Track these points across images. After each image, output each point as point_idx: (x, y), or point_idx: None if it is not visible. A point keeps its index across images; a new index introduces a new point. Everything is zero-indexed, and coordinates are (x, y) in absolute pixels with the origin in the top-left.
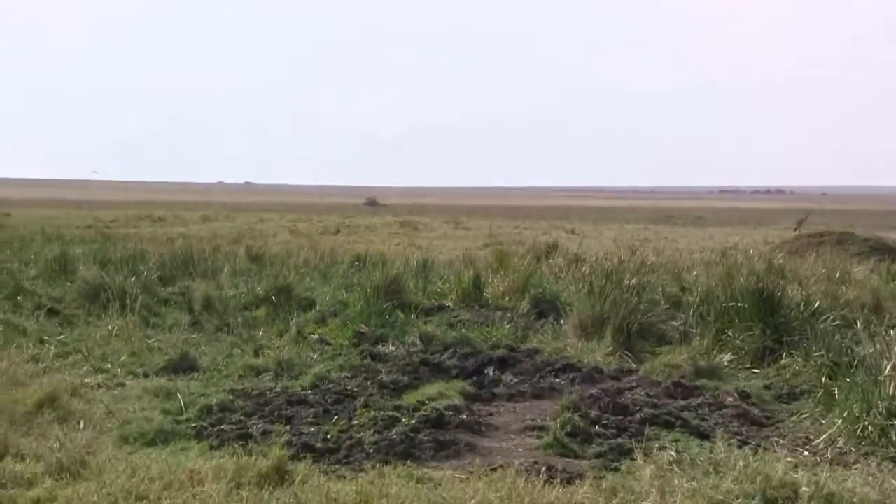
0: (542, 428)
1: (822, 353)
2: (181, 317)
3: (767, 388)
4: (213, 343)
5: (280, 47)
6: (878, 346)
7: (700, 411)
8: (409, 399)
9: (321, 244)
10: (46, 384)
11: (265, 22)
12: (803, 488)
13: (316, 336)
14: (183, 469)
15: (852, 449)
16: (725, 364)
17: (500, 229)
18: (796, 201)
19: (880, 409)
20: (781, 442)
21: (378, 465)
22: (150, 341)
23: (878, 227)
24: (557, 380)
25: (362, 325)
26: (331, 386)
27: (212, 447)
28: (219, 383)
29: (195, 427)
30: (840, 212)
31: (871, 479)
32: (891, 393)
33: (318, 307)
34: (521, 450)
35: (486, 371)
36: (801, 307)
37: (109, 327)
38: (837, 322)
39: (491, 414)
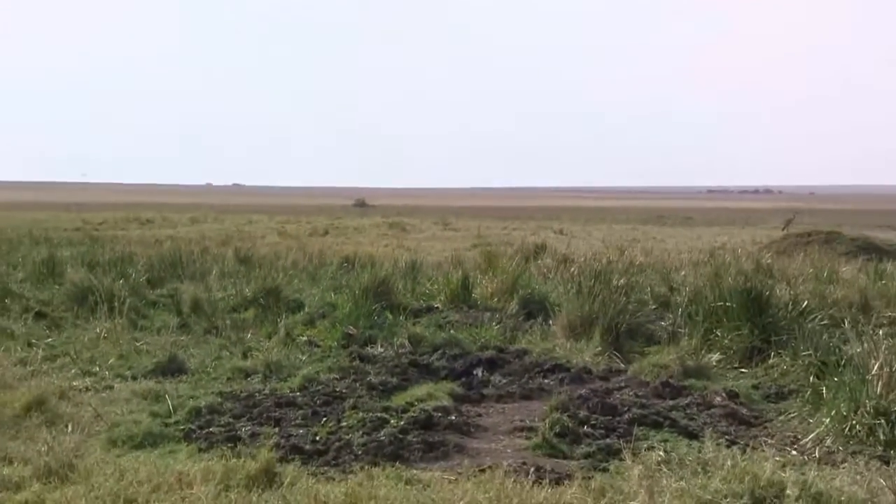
0: (530, 429)
1: (810, 352)
2: (169, 319)
3: (756, 387)
4: (201, 345)
5: (270, 48)
6: (865, 345)
7: (688, 411)
8: (398, 400)
9: (310, 246)
10: (34, 387)
11: (253, 23)
12: (791, 488)
13: (304, 338)
14: (171, 472)
15: (840, 448)
16: (714, 364)
17: (488, 230)
18: (784, 201)
19: (868, 408)
20: (770, 441)
21: (367, 467)
22: (138, 344)
23: (865, 226)
24: (546, 380)
25: (351, 327)
26: (319, 388)
27: (200, 450)
28: (207, 385)
29: (184, 429)
30: (828, 211)
31: (858, 477)
32: (878, 392)
33: (306, 309)
34: (509, 451)
35: (474, 372)
36: (789, 307)
37: (97, 330)
38: (825, 321)
39: (480, 415)
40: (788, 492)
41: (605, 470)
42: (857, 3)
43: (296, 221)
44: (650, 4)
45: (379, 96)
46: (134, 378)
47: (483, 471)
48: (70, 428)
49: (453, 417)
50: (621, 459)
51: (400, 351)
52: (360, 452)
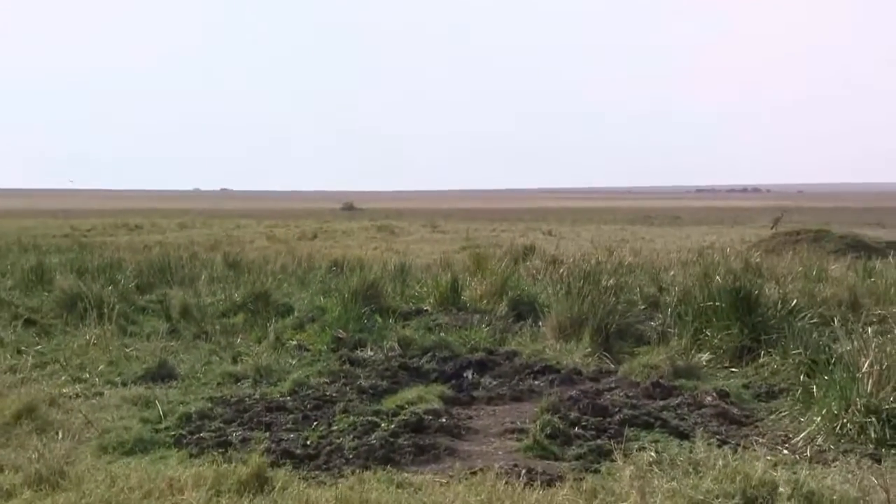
0: (521, 430)
1: (800, 351)
2: (159, 325)
3: (746, 386)
4: (191, 351)
5: (257, 53)
6: (855, 343)
7: (679, 411)
8: (389, 404)
9: (298, 250)
10: (24, 394)
11: (240, 26)
12: (783, 487)
13: (294, 342)
14: (162, 477)
15: (831, 446)
16: (704, 363)
17: (477, 232)
18: (773, 199)
19: (858, 406)
20: (760, 441)
21: (358, 471)
22: (127, 350)
23: (854, 224)
24: (536, 382)
25: (340, 331)
26: (310, 392)
27: (191, 455)
28: (197, 391)
29: (174, 435)
30: (816, 209)
31: (850, 476)
32: (869, 390)
33: (295, 313)
34: (500, 453)
35: (464, 374)
36: (779, 305)
37: (87, 336)
38: (815, 320)
39: (470, 417)
40: (780, 491)
41: (596, 471)
42: (852, 3)
43: (284, 226)
44: (644, 6)
45: (367, 100)
46: (124, 384)
47: (474, 473)
48: (60, 435)
49: (444, 420)
50: (612, 460)
51: (390, 354)
52: (350, 456)
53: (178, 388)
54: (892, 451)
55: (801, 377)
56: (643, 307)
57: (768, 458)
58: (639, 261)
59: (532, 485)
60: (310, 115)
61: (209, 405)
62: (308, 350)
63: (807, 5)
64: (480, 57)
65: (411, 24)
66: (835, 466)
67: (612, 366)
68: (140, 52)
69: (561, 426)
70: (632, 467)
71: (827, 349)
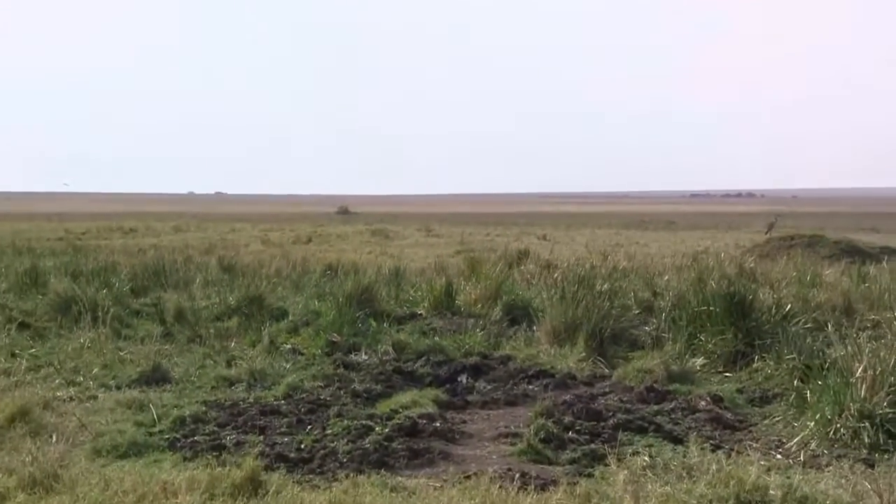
0: (515, 435)
1: (794, 356)
2: (153, 328)
3: (740, 391)
4: (185, 354)
5: (251, 57)
6: (849, 348)
7: (673, 416)
8: (383, 408)
9: (293, 254)
10: (18, 398)
11: (235, 28)
12: (776, 492)
13: (288, 346)
14: (156, 481)
15: (825, 451)
16: (698, 368)
17: (471, 236)
18: (767, 205)
19: (852, 412)
20: (754, 445)
21: (352, 475)
22: (122, 353)
23: (848, 229)
24: (531, 386)
25: (335, 335)
26: (304, 395)
27: (185, 459)
28: (191, 395)
29: (168, 439)
30: (810, 214)
31: (843, 481)
32: (862, 395)
33: (290, 317)
34: (495, 457)
35: (459, 379)
36: (773, 310)
37: (81, 340)
38: (809, 325)
39: (465, 421)
40: (773, 495)
41: (590, 475)
42: (848, 5)
43: (279, 229)
44: (638, 7)
45: (365, 101)
46: (118, 387)
47: (468, 477)
48: (54, 438)
49: (438, 424)
50: (606, 465)
51: (384, 358)
52: (344, 460)
53: (172, 392)
54: (886, 457)
55: (795, 382)
56: (637, 312)
57: (762, 462)
58: (633, 266)
59: (526, 489)
60: (306, 117)
61: (203, 409)
62: (302, 354)
63: (804, 8)
64: (482, 57)
65: (411, 24)
66: (828, 471)
67: (607, 370)
68: (135, 52)
69: (555, 430)
70: (625, 472)
71: (821, 354)
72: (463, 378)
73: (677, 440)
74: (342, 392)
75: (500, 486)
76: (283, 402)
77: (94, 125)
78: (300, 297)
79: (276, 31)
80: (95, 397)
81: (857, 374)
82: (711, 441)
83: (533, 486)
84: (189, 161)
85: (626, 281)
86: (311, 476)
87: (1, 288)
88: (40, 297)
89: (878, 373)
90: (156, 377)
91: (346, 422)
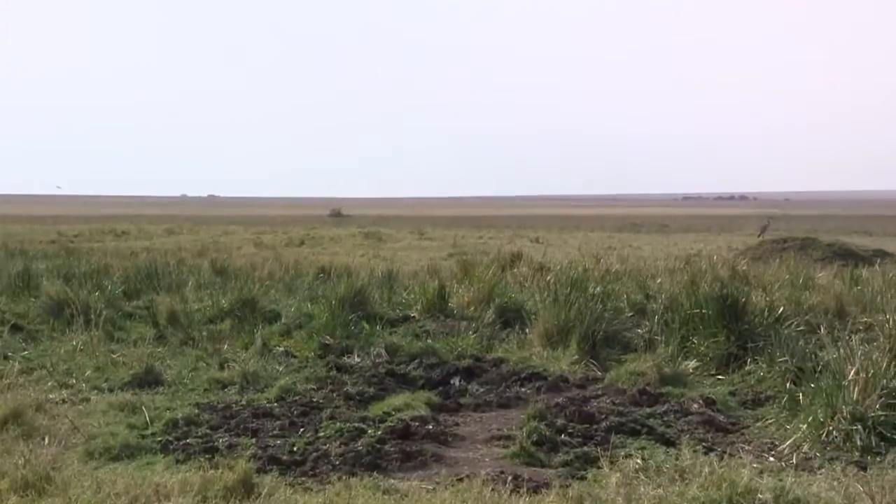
0: (508, 437)
1: (787, 358)
2: (146, 331)
3: (732, 394)
4: (177, 357)
5: (246, 56)
6: (841, 350)
7: (666, 418)
8: (375, 410)
9: (286, 256)
10: (10, 400)
11: (227, 30)
12: (768, 494)
13: (281, 348)
14: (149, 483)
15: (817, 454)
16: (690, 371)
17: (464, 239)
18: (759, 207)
19: (844, 414)
20: (747, 448)
21: (344, 477)
22: (114, 356)
23: (840, 232)
24: (523, 389)
25: (327, 337)
26: (296, 398)
27: (178, 461)
28: (184, 397)
29: (161, 441)
30: (803, 217)
31: (835, 483)
32: (855, 397)
33: (283, 319)
34: (487, 459)
35: (451, 381)
36: (765, 313)
37: (74, 342)
38: (801, 327)
39: (457, 424)
40: (765, 498)
41: (582, 478)
42: (846, 10)
43: (272, 232)
44: (623, 16)
45: (361, 103)
46: (111, 390)
47: (461, 480)
48: (47, 440)
49: (431, 427)
50: (599, 467)
51: (377, 361)
52: (337, 463)
53: (164, 394)
54: (878, 459)
55: (788, 385)
56: (630, 314)
57: (754, 465)
58: (626, 268)
59: (518, 491)
60: (300, 119)
61: (196, 411)
62: (295, 356)
63: (798, 11)
64: (475, 60)
65: (404, 25)
66: (820, 474)
67: (599, 373)
68: (128, 55)
69: (547, 433)
70: (618, 474)
71: (813, 357)
72: (455, 381)
73: (670, 443)
74: (335, 395)
75: (493, 489)
76: (275, 404)
77: (87, 127)
78: (293, 299)
79: (269, 33)
80: (88, 400)
81: (850, 377)
82: (704, 444)
83: (525, 489)
84: (182, 164)
85: (618, 283)
86: (303, 478)
87: None
88: (33, 299)
89: (870, 375)
90: (148, 380)
91: (338, 424)
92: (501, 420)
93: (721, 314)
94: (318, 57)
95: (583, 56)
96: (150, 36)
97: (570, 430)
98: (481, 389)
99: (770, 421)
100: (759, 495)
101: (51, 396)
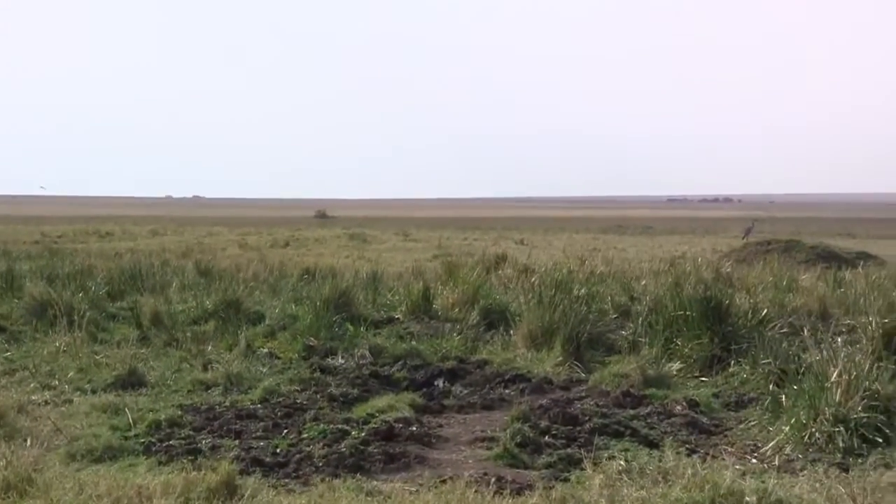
0: (491, 439)
1: (770, 360)
2: (129, 332)
3: (716, 396)
4: (161, 358)
5: (232, 58)
6: (824, 353)
7: (649, 420)
8: (359, 412)
9: (270, 258)
10: None
11: (213, 33)
12: (751, 496)
13: (265, 350)
14: (131, 485)
15: (799, 455)
16: (674, 373)
17: (449, 241)
18: (744, 210)
19: (827, 416)
20: (730, 450)
21: (328, 479)
22: (97, 357)
23: (824, 234)
24: (507, 391)
25: (312, 339)
26: (280, 399)
27: (160, 463)
28: (167, 398)
29: (143, 443)
30: (787, 220)
31: (818, 485)
32: (837, 399)
33: (267, 321)
34: (470, 461)
35: (435, 383)
36: (749, 315)
37: (57, 343)
38: (784, 329)
39: (441, 426)
40: (748, 500)
41: (566, 479)
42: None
43: (256, 233)
44: (612, 19)
45: (339, 108)
46: (93, 391)
47: (444, 482)
48: (29, 442)
49: (414, 428)
50: (582, 469)
51: (361, 362)
52: (320, 464)
53: (147, 396)
54: (860, 461)
55: (771, 387)
56: (614, 316)
57: (737, 467)
58: (610, 270)
59: (502, 493)
60: (285, 120)
61: (179, 413)
62: (279, 358)
63: (796, 11)
64: (463, 64)
65: (401, 26)
66: (803, 476)
67: (583, 375)
68: (113, 56)
69: (531, 435)
70: (601, 476)
71: (796, 359)
72: (439, 382)
73: (653, 444)
74: (318, 396)
75: (476, 491)
76: (259, 406)
77: (71, 128)
78: (277, 301)
79: (254, 36)
80: (71, 401)
81: (832, 379)
82: (687, 445)
83: (508, 491)
84: (166, 164)
85: (603, 285)
86: (286, 480)
87: None
88: (16, 300)
89: (852, 377)
90: (131, 381)
91: (322, 426)
92: (485, 422)
93: (705, 316)
94: (310, 58)
95: (580, 55)
96: (140, 38)
97: (553, 432)
98: (465, 391)
99: (753, 423)
100: (742, 497)
101: (33, 398)
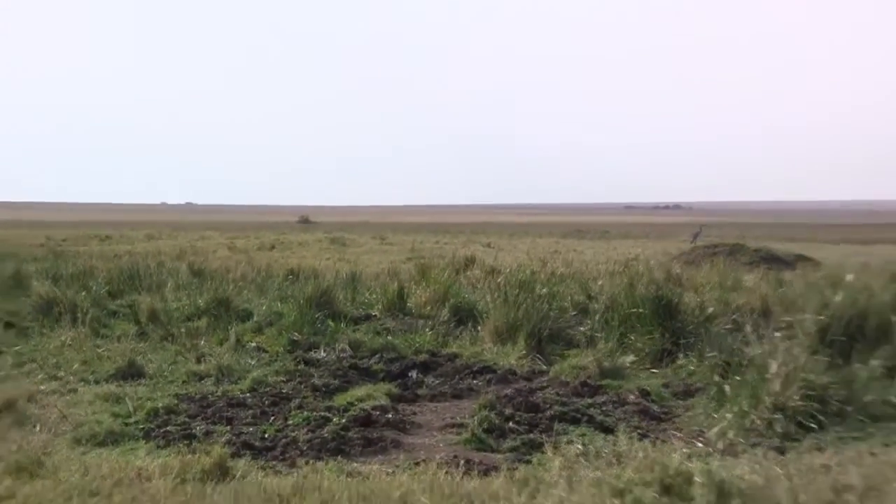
0: (461, 425)
1: (715, 353)
2: (128, 328)
3: (665, 386)
4: (158, 351)
5: (227, 66)
6: (765, 347)
7: (604, 408)
8: (340, 400)
9: (257, 260)
10: (4, 391)
11: (206, 40)
12: (697, 476)
13: (253, 344)
14: (132, 467)
15: (741, 440)
16: (627, 365)
17: (422, 244)
18: (693, 215)
19: (767, 404)
20: (678, 435)
21: (311, 461)
22: (100, 350)
23: (766, 238)
24: (475, 381)
25: (296, 334)
26: (267, 389)
27: (158, 447)
28: (164, 388)
29: (143, 429)
30: (733, 225)
31: (757, 467)
32: (776, 389)
33: (255, 317)
34: (442, 445)
35: (409, 374)
36: (697, 312)
37: (62, 338)
38: (729, 326)
39: (414, 413)
40: (694, 480)
41: (528, 462)
42: (794, 24)
43: (244, 237)
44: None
45: (319, 118)
46: (96, 382)
47: (417, 464)
48: (38, 428)
49: (390, 416)
50: (543, 452)
51: (341, 355)
52: (305, 448)
53: (146, 386)
54: (796, 445)
55: (716, 377)
56: (573, 313)
57: (684, 450)
58: (570, 271)
59: (470, 474)
60: (275, 131)
61: (175, 401)
62: (266, 351)
63: (733, 29)
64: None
65: (389, 33)
66: (744, 458)
67: (544, 367)
68: (109, 63)
69: (496, 421)
70: (560, 459)
71: (739, 352)
72: (413, 374)
73: (608, 430)
74: (302, 386)
75: (447, 472)
76: (248, 395)
77: (70, 136)
78: (264, 299)
79: (233, 49)
80: (75, 391)
81: (772, 371)
82: (639, 431)
83: (476, 472)
84: (161, 172)
85: (563, 285)
86: (274, 462)
87: None
88: (24, 298)
89: (791, 369)
90: (131, 372)
91: (306, 413)
92: (455, 409)
93: (656, 313)
94: (298, 69)
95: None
96: (129, 39)
97: (517, 419)
98: (437, 382)
99: (699, 410)
100: (689, 478)
101: (41, 388)
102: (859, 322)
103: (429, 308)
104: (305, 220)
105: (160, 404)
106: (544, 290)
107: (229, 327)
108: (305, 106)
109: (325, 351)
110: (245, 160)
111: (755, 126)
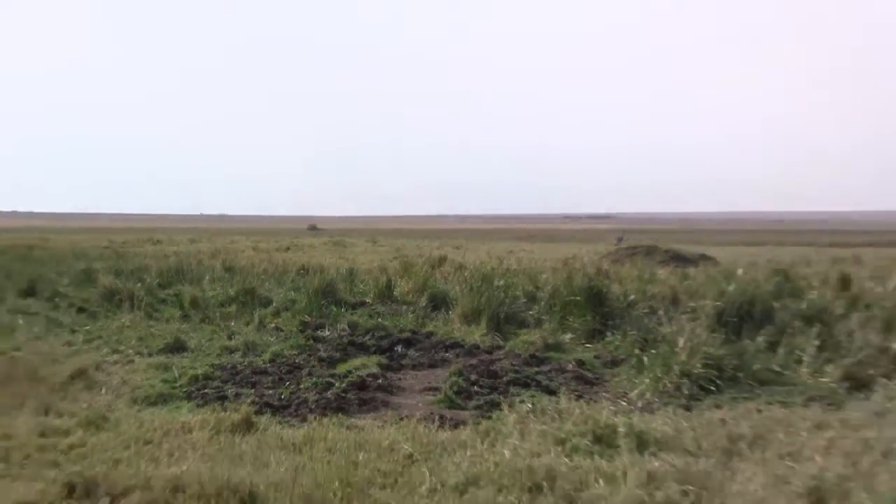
0: (436, 388)
1: (635, 332)
2: (174, 312)
3: (597, 357)
4: (198, 331)
5: (255, 81)
6: (674, 327)
7: (549, 375)
8: (341, 369)
9: (276, 258)
10: (77, 361)
11: (251, 66)
12: (622, 428)
13: (273, 325)
14: (177, 421)
15: (656, 400)
16: (567, 341)
17: (405, 246)
18: (619, 223)
19: (676, 372)
20: (606, 396)
21: (318, 417)
22: (152, 330)
23: (676, 242)
24: (447, 354)
25: (306, 316)
26: (284, 360)
27: (198, 406)
28: (202, 360)
29: (186, 391)
30: (650, 231)
31: (668, 420)
32: (683, 360)
33: (274, 304)
34: (421, 405)
35: (395, 348)
36: (621, 299)
37: (122, 320)
38: (646, 310)
39: (399, 379)
40: (619, 431)
41: (489, 417)
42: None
43: (266, 240)
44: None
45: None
46: (149, 354)
47: (402, 419)
48: (103, 391)
49: (380, 381)
50: (501, 410)
51: (342, 333)
52: (313, 407)
53: (188, 358)
54: (699, 403)
55: (636, 351)
56: (524, 300)
57: (611, 408)
58: (522, 267)
59: (443, 427)
60: (294, 155)
61: (211, 370)
62: (283, 331)
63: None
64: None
65: (379, 47)
66: (658, 414)
67: (502, 342)
68: (152, 92)
69: (464, 385)
70: (514, 415)
71: (654, 331)
72: (398, 348)
73: (552, 392)
74: (311, 358)
75: (425, 426)
76: (268, 365)
77: (121, 154)
78: (281, 289)
79: (260, 68)
80: (133, 361)
81: (680, 345)
82: (576, 393)
83: (448, 425)
84: (200, 187)
85: (516, 278)
86: (289, 418)
87: (64, 282)
88: (93, 289)
89: (694, 344)
90: (176, 347)
91: (314, 379)
92: (431, 376)
93: (589, 300)
94: (299, 84)
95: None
96: (169, 56)
97: (480, 384)
98: (417, 354)
99: (623, 377)
100: (615, 429)
101: (106, 359)
102: (748, 307)
103: (411, 296)
104: (314, 227)
105: (199, 372)
106: (501, 282)
107: (254, 311)
108: (326, 129)
109: (329, 330)
110: (269, 178)
111: (678, 140)
